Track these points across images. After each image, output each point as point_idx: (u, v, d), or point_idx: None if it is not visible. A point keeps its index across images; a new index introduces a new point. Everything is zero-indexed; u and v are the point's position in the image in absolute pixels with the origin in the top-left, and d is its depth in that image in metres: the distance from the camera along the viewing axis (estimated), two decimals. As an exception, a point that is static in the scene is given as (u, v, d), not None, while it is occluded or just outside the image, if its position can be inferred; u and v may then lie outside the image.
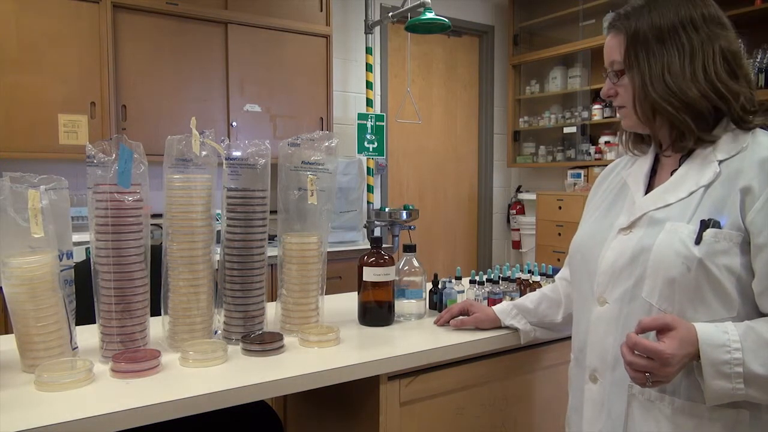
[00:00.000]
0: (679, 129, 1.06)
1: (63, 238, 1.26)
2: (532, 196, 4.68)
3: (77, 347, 1.27)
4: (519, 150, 4.94)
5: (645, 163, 1.18)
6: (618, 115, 1.16)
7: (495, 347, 1.45)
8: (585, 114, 4.39)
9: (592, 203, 1.27)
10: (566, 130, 4.51)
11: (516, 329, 1.44)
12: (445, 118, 4.76)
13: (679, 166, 1.10)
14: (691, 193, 1.04)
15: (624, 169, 1.23)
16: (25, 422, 0.94)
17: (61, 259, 1.24)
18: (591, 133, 4.42)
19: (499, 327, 1.46)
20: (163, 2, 3.07)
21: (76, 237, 1.37)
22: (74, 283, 1.32)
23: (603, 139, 4.29)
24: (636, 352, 0.93)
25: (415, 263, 1.62)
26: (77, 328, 1.30)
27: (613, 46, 1.10)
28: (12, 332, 1.21)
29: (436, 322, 1.53)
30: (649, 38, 1.05)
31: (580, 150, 4.44)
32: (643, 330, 0.95)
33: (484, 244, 4.99)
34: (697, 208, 1.02)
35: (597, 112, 4.30)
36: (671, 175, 1.10)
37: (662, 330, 0.95)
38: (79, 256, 1.40)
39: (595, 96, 4.35)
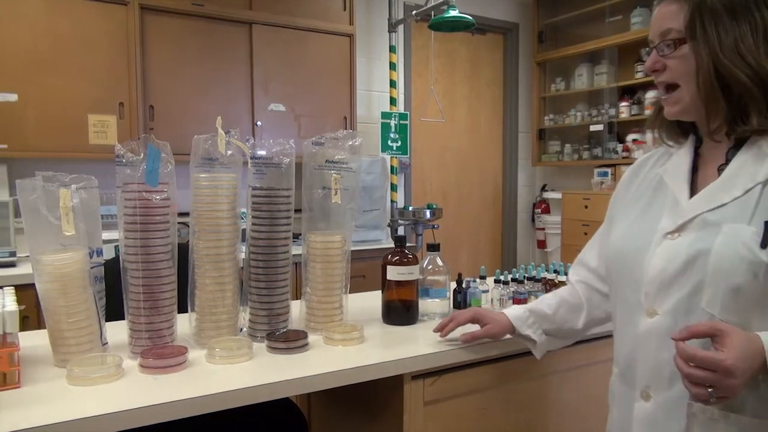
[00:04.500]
0: (743, 109, 0.95)
1: (93, 235, 1.29)
2: (558, 195, 4.62)
3: (107, 343, 1.30)
4: (544, 148, 4.89)
5: (684, 157, 1.07)
6: (664, 100, 1.04)
7: (520, 347, 1.43)
8: (612, 111, 4.32)
9: (624, 202, 1.16)
10: (593, 128, 4.45)
11: (531, 340, 1.33)
12: (469, 117, 4.73)
13: (726, 160, 1.00)
14: (747, 191, 0.95)
15: (658, 165, 1.12)
16: (57, 415, 0.96)
17: (91, 257, 1.26)
18: (618, 131, 4.35)
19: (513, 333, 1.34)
20: (188, 3, 3.11)
21: (106, 235, 1.39)
22: (104, 280, 1.34)
23: (630, 137, 4.22)
24: (691, 364, 0.84)
25: (439, 262, 1.61)
26: (107, 324, 1.32)
27: (669, 14, 1.00)
28: (45, 327, 1.24)
29: (437, 331, 1.38)
30: (718, 9, 0.95)
31: (606, 148, 4.37)
32: (693, 336, 0.87)
33: (508, 243, 4.95)
34: (757, 207, 0.93)
35: (624, 110, 4.23)
36: (718, 170, 1.00)
37: (715, 337, 0.86)
38: (108, 253, 1.42)
39: (623, 93, 4.28)
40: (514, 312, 1.34)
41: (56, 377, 1.14)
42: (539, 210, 4.91)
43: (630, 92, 4.25)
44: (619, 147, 4.26)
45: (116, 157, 1.26)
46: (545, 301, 1.34)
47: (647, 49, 1.05)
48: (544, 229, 4.86)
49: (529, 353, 1.39)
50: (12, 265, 2.55)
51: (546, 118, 4.84)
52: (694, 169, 1.06)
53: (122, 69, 2.96)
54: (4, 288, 1.25)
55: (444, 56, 4.54)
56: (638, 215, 1.10)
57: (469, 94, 4.72)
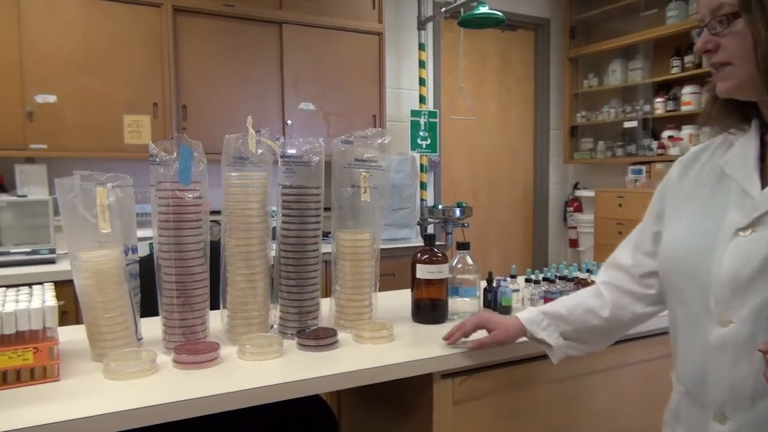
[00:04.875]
0: None
1: (128, 233, 1.32)
2: (591, 193, 4.55)
3: (142, 338, 1.33)
4: (576, 146, 4.81)
5: (748, 146, 0.95)
6: (715, 76, 0.94)
7: (551, 347, 1.42)
8: (647, 108, 4.23)
9: (678, 198, 1.04)
10: (626, 124, 4.36)
11: (546, 344, 1.23)
12: (499, 114, 4.69)
13: None
14: None
15: (716, 156, 1.00)
16: (94, 408, 0.99)
17: (126, 254, 1.30)
18: (653, 127, 4.25)
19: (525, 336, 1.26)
20: (219, 4, 3.15)
21: (140, 233, 1.42)
22: (139, 276, 1.37)
23: (666, 133, 4.12)
24: None
25: (469, 261, 1.60)
26: (141, 320, 1.35)
27: None
28: (83, 322, 1.27)
29: (445, 339, 1.33)
30: None
31: (641, 145, 4.28)
32: None
33: (539, 242, 4.89)
34: None
35: (659, 106, 4.13)
36: None
37: None
38: (143, 251, 1.46)
39: (658, 89, 4.18)
40: (527, 315, 1.26)
41: (93, 371, 1.17)
42: (571, 208, 4.84)
43: (666, 88, 4.15)
44: (654, 144, 4.16)
45: (150, 156, 1.28)
46: (562, 302, 1.26)
47: (697, 30, 0.95)
48: (576, 227, 4.78)
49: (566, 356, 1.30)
50: (52, 261, 2.63)
51: (578, 114, 4.76)
52: (761, 158, 0.94)
53: (156, 70, 3.02)
54: (44, 284, 1.28)
55: (474, 53, 4.51)
56: (698, 212, 0.98)
57: (500, 91, 4.68)
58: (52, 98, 2.80)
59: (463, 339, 1.32)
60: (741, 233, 0.89)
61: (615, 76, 4.48)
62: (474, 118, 4.37)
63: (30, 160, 2.96)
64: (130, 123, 2.98)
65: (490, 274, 1.70)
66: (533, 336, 1.24)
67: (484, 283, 1.69)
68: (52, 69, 2.79)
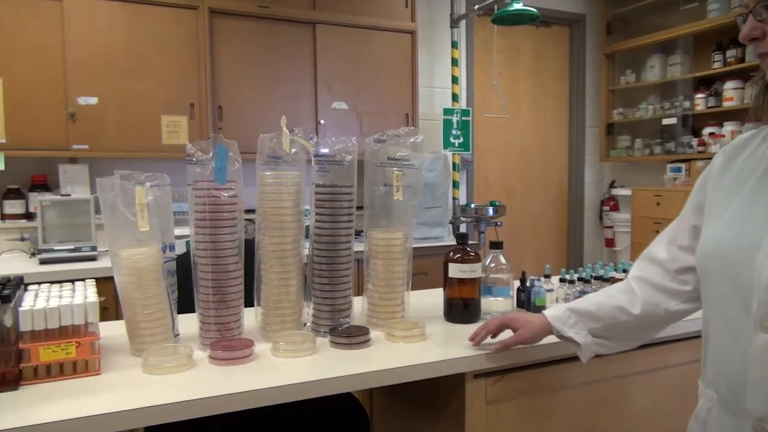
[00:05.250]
0: None
1: (166, 231, 1.35)
2: (628, 192, 4.45)
3: (179, 334, 1.36)
4: (613, 143, 4.71)
5: None
6: (764, 65, 0.89)
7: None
8: (686, 104, 4.11)
9: (721, 191, 0.98)
10: (665, 121, 4.25)
11: (574, 342, 1.18)
12: (533, 112, 4.63)
13: None
14: None
15: (764, 146, 0.94)
16: (133, 402, 1.01)
17: (164, 252, 1.33)
18: (693, 124, 4.13)
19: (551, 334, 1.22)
20: (255, 6, 3.20)
21: (177, 231, 1.46)
22: (176, 274, 1.40)
23: (707, 130, 4.00)
24: None
25: (502, 260, 1.59)
26: (178, 316, 1.38)
27: None
28: (122, 318, 1.31)
29: (471, 340, 1.31)
30: None
31: (680, 143, 4.16)
32: None
33: (574, 241, 4.81)
34: None
35: (700, 102, 4.00)
36: None
37: None
38: (180, 249, 1.49)
39: (698, 84, 4.06)
40: (553, 312, 1.21)
41: (132, 365, 1.20)
42: (607, 207, 4.74)
43: (706, 83, 4.02)
44: (694, 141, 4.05)
45: (187, 156, 1.31)
46: (590, 299, 1.20)
47: (741, 17, 0.89)
48: (612, 227, 4.69)
49: (596, 354, 1.28)
50: (93, 258, 2.70)
51: (615, 111, 4.66)
52: None
53: (193, 71, 3.08)
54: (86, 280, 1.32)
55: (507, 50, 4.46)
56: (742, 207, 0.92)
57: (534, 88, 4.62)
58: (93, 100, 2.89)
59: (489, 339, 1.30)
60: None
61: (653, 71, 4.37)
62: (508, 116, 4.32)
63: (73, 161, 3.05)
64: (167, 124, 3.04)
65: (524, 273, 1.68)
66: (560, 334, 1.19)
67: (517, 283, 1.67)
68: (94, 72, 2.88)
